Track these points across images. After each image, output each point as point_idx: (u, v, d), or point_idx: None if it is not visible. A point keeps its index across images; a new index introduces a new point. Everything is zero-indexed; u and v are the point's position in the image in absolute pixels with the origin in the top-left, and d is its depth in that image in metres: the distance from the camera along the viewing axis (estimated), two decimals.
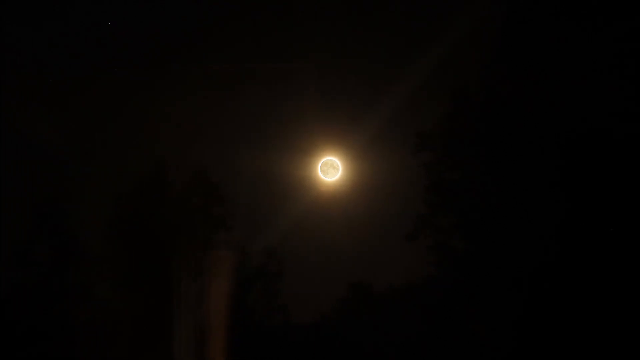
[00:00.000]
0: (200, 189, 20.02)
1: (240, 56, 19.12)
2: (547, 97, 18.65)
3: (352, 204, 19.53)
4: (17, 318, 18.26)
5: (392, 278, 19.72)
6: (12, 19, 17.73)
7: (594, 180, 18.19)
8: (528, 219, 18.55)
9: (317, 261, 19.30)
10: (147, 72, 18.92)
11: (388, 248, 19.39)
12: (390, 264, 19.36)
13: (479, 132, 19.54)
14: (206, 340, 18.67)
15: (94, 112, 19.10)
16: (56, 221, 19.56)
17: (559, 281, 18.06)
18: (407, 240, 19.69)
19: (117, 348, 18.24)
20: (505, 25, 18.82)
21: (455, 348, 18.22)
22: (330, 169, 19.57)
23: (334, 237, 19.24)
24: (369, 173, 19.58)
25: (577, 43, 18.33)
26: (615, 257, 17.61)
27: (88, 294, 19.26)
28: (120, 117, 19.31)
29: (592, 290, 17.69)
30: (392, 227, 19.47)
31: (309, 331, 19.40)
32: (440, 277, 19.35)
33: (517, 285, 18.38)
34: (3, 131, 18.02)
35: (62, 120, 18.98)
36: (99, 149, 19.27)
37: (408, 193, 19.58)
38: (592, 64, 18.18)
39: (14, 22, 17.73)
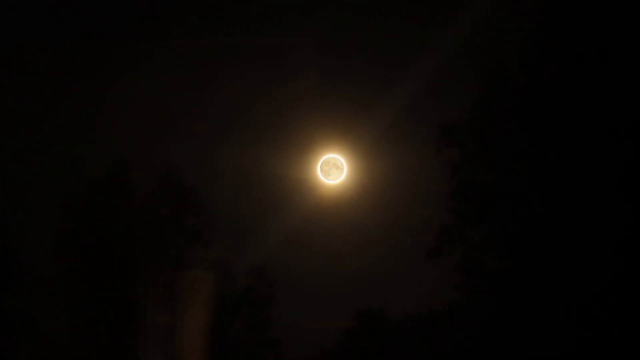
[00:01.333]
0: (171, 194, 19.32)
1: (222, 28, 18.87)
2: (605, 80, 17.83)
3: (360, 212, 19.14)
4: None
5: (410, 305, 19.08)
6: None
7: None
8: (581, 231, 17.65)
9: (317, 284, 18.74)
10: (104, 47, 18.52)
11: (404, 267, 18.88)
12: (408, 287, 18.77)
13: (518, 124, 18.60)
14: None
15: (37, 99, 18.73)
16: None
17: (621, 310, 17.18)
18: (429, 257, 18.94)
19: None
20: None
21: None
22: (332, 169, 19.09)
23: (337, 254, 18.86)
24: (379, 174, 19.24)
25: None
26: None
27: (32, 325, 18.61)
28: (70, 105, 18.74)
29: None
30: (409, 242, 18.96)
31: None
32: (471, 305, 18.62)
33: (568, 315, 17.45)
34: None
35: None
36: (43, 145, 18.80)
37: (429, 199, 19.04)
38: None
39: None
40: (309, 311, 18.62)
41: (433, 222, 18.93)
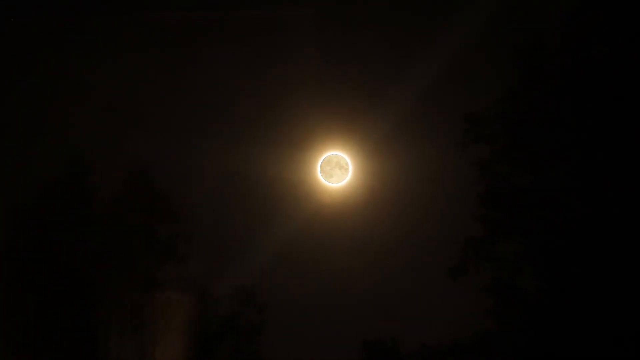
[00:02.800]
0: (140, 200, 18.57)
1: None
2: None
3: (368, 221, 18.49)
4: None
5: (429, 335, 18.10)
6: None
7: None
8: (636, 245, 16.45)
9: (316, 308, 18.07)
10: (59, 22, 17.84)
11: (422, 289, 18.06)
12: (426, 313, 18.05)
13: (559, 115, 17.63)
14: None
15: None
16: None
17: None
18: (451, 276, 18.11)
19: None
20: None
21: None
22: (335, 170, 18.61)
23: (340, 272, 18.15)
24: (391, 175, 18.58)
25: None
26: None
27: None
28: (18, 92, 18.06)
29: None
30: (428, 257, 18.14)
31: None
32: (503, 334, 17.72)
33: (620, 346, 16.31)
34: None
35: None
36: None
37: (452, 205, 18.26)
38: None
39: None
40: (307, 341, 18.10)
41: (457, 233, 18.26)
